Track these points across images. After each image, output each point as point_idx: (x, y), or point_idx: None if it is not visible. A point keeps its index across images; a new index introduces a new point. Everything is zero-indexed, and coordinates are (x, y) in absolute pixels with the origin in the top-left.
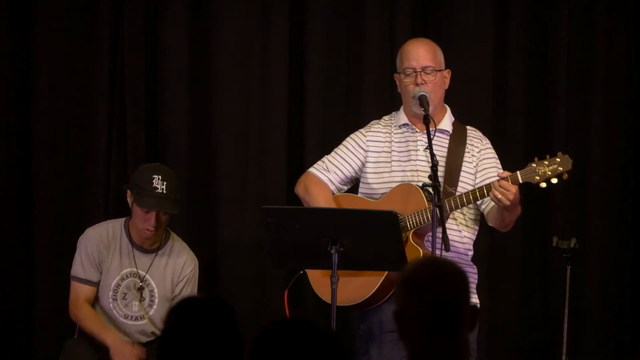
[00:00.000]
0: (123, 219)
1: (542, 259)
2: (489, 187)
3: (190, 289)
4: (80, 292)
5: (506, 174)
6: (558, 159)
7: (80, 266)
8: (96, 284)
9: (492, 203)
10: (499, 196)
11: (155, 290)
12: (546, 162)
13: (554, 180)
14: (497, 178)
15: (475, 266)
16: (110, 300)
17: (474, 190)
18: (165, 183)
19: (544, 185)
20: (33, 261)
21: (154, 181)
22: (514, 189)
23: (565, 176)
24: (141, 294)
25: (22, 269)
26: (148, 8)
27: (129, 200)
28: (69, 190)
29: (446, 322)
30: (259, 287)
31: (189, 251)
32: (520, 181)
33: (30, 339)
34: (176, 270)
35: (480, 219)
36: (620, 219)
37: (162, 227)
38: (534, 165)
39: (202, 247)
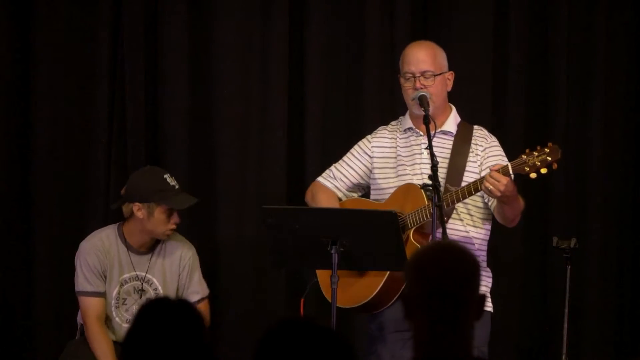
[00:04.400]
0: (115, 225)
1: (542, 259)
2: (482, 180)
3: (197, 276)
4: (90, 307)
5: (498, 166)
6: (547, 149)
7: (85, 280)
8: (104, 294)
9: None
10: (490, 187)
11: (160, 289)
12: (536, 153)
13: (544, 171)
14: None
15: (489, 270)
16: (113, 308)
17: (469, 184)
18: (173, 178)
19: (534, 175)
20: (33, 261)
21: (167, 180)
22: (504, 180)
23: (555, 166)
24: (141, 296)
25: (22, 269)
26: (148, 8)
27: (140, 212)
28: (69, 190)
29: (448, 307)
30: (259, 286)
31: (183, 241)
32: (511, 172)
33: (30, 339)
34: (174, 262)
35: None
36: (620, 219)
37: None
38: (524, 156)
39: (202, 246)
